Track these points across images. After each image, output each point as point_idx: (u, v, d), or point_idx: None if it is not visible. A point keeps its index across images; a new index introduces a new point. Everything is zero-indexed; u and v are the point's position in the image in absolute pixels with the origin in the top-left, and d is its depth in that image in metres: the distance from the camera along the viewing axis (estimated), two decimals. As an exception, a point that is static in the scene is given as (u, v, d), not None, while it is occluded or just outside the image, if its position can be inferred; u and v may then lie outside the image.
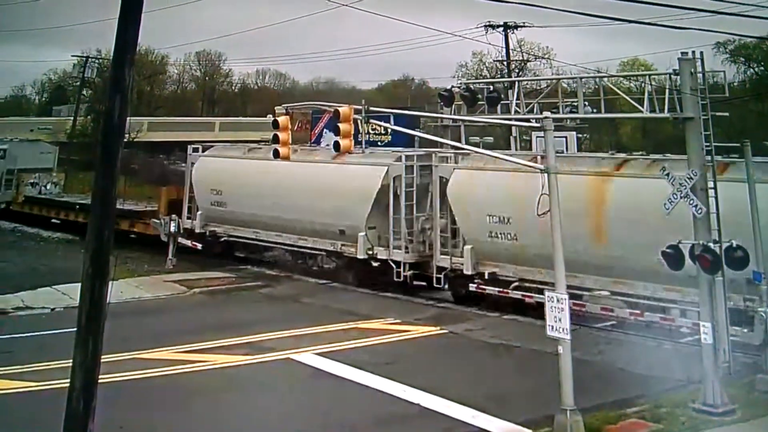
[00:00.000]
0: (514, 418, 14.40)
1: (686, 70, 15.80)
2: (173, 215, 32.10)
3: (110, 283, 8.94)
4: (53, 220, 43.31)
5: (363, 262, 27.24)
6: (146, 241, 34.31)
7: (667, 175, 15.35)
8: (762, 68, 61.32)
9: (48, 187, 46.52)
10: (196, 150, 34.71)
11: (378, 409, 15.43)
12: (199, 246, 32.42)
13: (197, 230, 33.16)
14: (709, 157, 15.38)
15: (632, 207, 20.14)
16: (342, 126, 16.50)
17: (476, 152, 21.87)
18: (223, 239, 33.01)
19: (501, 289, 23.55)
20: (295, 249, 30.50)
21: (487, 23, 49.33)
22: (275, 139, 17.86)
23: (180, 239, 31.77)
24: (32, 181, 45.96)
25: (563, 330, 13.31)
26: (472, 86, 24.18)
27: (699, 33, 17.08)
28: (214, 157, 34.04)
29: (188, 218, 33.67)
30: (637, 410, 14.72)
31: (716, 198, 15.21)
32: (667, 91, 17.42)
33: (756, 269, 15.82)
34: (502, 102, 22.52)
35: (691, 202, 14.79)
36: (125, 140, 9.22)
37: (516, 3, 14.98)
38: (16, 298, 24.94)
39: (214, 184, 32.83)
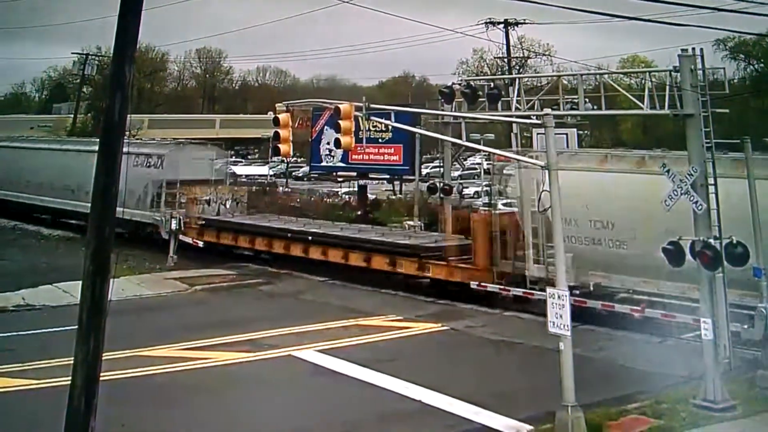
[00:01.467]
0: (516, 414, 14.41)
1: (686, 67, 15.81)
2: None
3: (111, 280, 8.95)
4: (262, 255, 32.20)
5: None
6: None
7: (668, 171, 15.36)
8: (762, 65, 61.33)
9: (228, 205, 34.93)
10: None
11: (380, 406, 15.43)
12: (201, 243, 32.32)
13: (571, 282, 18.64)
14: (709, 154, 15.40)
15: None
16: (343, 123, 16.53)
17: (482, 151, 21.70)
18: (619, 296, 21.26)
19: None
20: None
21: (488, 20, 49.35)
22: (276, 137, 17.88)
23: (181, 236, 31.72)
24: (206, 197, 34.44)
25: (564, 326, 13.32)
26: (472, 83, 24.23)
27: (699, 30, 17.07)
28: (580, 171, 21.44)
29: (513, 259, 23.44)
30: (638, 406, 14.72)
31: (716, 194, 15.22)
32: (667, 87, 17.42)
33: (756, 265, 15.81)
34: (502, 99, 22.57)
35: (692, 198, 14.80)
36: (125, 138, 9.22)
37: (516, 0, 14.98)
38: (17, 296, 24.90)
39: (595, 212, 21.29)
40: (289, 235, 30.25)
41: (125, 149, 30.63)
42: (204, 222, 33.36)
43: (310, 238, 29.33)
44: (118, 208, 8.43)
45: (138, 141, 40.59)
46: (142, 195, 35.00)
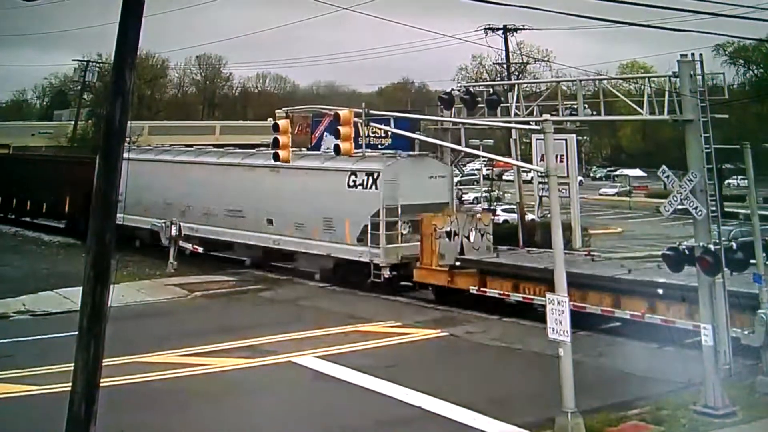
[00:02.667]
0: (516, 420, 14.39)
1: (686, 73, 15.84)
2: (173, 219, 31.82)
3: (111, 286, 8.97)
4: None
5: None
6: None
7: (667, 177, 15.39)
8: (761, 70, 61.40)
9: (472, 238, 25.51)
10: None
11: (379, 412, 15.42)
12: (200, 249, 32.32)
13: None
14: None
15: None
16: (342, 129, 16.55)
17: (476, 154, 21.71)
18: None
19: None
20: None
21: (487, 26, 49.38)
22: (275, 143, 17.90)
23: (181, 243, 31.72)
24: (446, 228, 25.22)
25: (564, 332, 13.32)
26: (471, 89, 24.30)
27: (698, 35, 17.14)
28: None
29: None
30: (638, 412, 14.70)
31: (718, 199, 15.23)
32: (666, 93, 17.49)
33: (756, 272, 15.82)
34: (501, 105, 22.61)
35: (691, 204, 14.81)
36: (126, 144, 9.25)
37: (515, 6, 15.02)
38: (18, 302, 24.92)
39: None
40: (681, 298, 18.75)
41: (317, 163, 26.41)
42: (459, 263, 24.72)
43: (682, 297, 18.67)
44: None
45: (327, 152, 30.32)
46: (338, 223, 27.67)
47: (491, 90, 23.90)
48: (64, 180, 41.06)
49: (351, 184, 27.44)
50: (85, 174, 38.39)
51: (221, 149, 37.48)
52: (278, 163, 27.56)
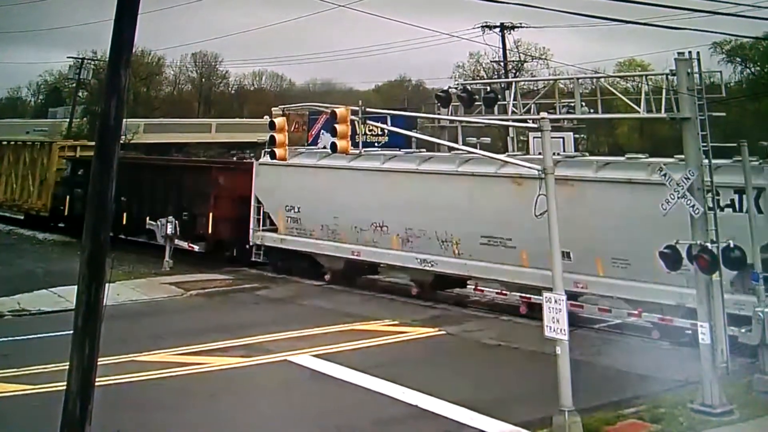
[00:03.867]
0: (513, 419, 14.37)
1: (683, 71, 15.79)
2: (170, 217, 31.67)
3: (106, 285, 8.92)
4: None
5: None
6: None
7: (665, 175, 15.35)
8: (758, 68, 61.34)
9: None
10: None
11: (376, 411, 15.39)
12: (196, 248, 32.21)
13: None
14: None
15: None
16: (339, 127, 16.44)
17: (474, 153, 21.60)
18: None
19: None
20: None
21: (484, 24, 49.41)
22: (272, 141, 17.82)
23: (177, 241, 31.64)
24: None
25: (561, 331, 13.29)
26: (469, 87, 24.17)
27: (695, 33, 17.10)
28: None
29: None
30: (636, 411, 14.70)
31: (714, 197, 15.20)
32: (663, 91, 17.42)
33: (753, 270, 15.80)
34: (499, 103, 22.49)
35: (689, 202, 14.78)
36: (121, 142, 9.20)
37: (513, 3, 14.97)
38: (12, 300, 24.85)
39: None
40: None
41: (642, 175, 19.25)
42: None
43: None
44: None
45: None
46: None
47: (488, 88, 23.79)
48: (201, 192, 32.75)
49: (730, 204, 18.73)
50: (233, 183, 31.66)
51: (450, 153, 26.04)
52: (569, 173, 20.47)
